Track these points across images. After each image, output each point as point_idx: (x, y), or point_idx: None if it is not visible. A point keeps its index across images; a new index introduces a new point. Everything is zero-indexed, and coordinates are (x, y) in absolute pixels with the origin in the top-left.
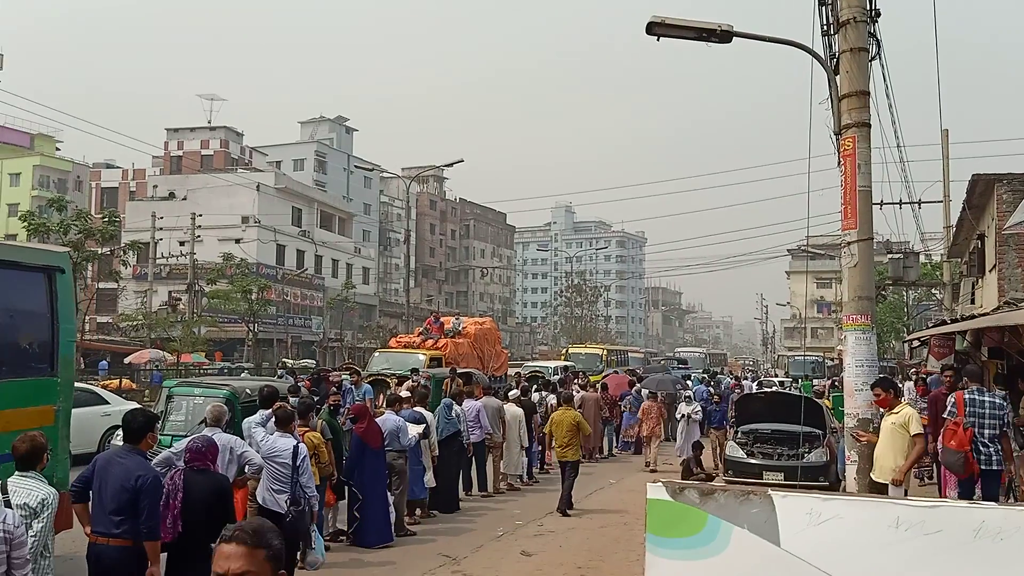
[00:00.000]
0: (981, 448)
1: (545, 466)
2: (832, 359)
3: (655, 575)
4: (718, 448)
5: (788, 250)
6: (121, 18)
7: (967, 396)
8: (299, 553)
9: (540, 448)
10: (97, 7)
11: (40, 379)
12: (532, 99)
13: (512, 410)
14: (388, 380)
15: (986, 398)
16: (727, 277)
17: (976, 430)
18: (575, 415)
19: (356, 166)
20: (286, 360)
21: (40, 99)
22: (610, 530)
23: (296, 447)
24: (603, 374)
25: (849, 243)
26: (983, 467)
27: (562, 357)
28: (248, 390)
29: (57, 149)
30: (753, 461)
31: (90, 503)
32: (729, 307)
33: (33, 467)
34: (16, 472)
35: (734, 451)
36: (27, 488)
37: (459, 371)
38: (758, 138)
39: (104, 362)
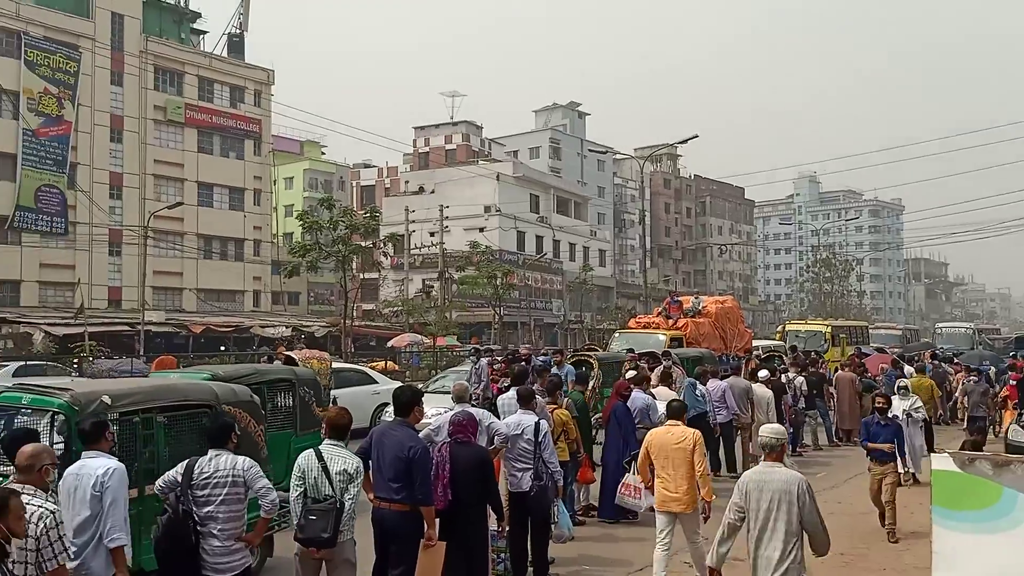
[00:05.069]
0: None
1: (798, 449)
2: None
3: (943, 548)
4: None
5: None
6: (367, 28)
7: None
8: (552, 525)
9: (791, 430)
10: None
11: None
12: (767, 62)
13: (761, 391)
14: (591, 360)
15: None
16: (1002, 244)
17: None
18: (930, 382)
19: (590, 150)
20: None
21: (307, 108)
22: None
23: (537, 424)
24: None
25: None
26: None
27: (778, 336)
28: (105, 398)
29: (323, 153)
30: None
31: (371, 471)
32: (1006, 278)
33: (343, 438)
34: (326, 441)
35: (1017, 435)
36: (343, 456)
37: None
38: None
39: (416, 357)
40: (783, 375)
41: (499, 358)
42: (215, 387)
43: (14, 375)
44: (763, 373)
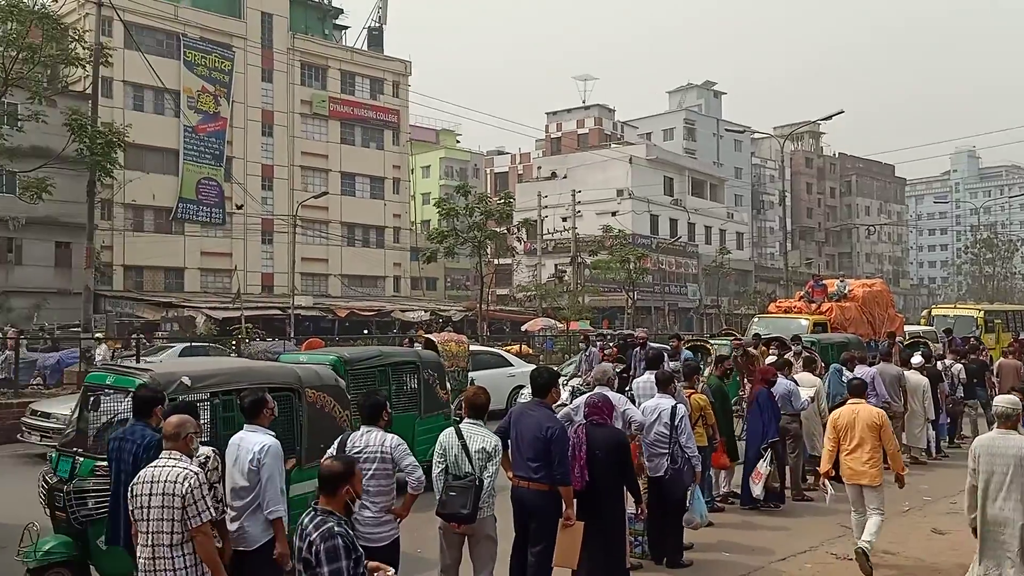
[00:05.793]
0: None
1: (955, 440)
2: None
3: None
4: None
5: None
6: (507, 17)
7: None
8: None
9: (948, 420)
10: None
11: None
12: (919, 41)
13: (914, 379)
14: (709, 346)
15: None
16: None
17: None
18: None
19: (726, 130)
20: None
21: (442, 97)
22: None
23: (674, 407)
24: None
25: None
26: None
27: (922, 321)
28: (184, 379)
29: (457, 142)
30: None
31: (510, 450)
32: None
33: (481, 416)
34: (466, 420)
35: None
36: (481, 435)
37: (770, 338)
38: None
39: (550, 342)
40: (939, 362)
41: (611, 343)
42: (299, 370)
43: (180, 355)
44: (916, 360)
